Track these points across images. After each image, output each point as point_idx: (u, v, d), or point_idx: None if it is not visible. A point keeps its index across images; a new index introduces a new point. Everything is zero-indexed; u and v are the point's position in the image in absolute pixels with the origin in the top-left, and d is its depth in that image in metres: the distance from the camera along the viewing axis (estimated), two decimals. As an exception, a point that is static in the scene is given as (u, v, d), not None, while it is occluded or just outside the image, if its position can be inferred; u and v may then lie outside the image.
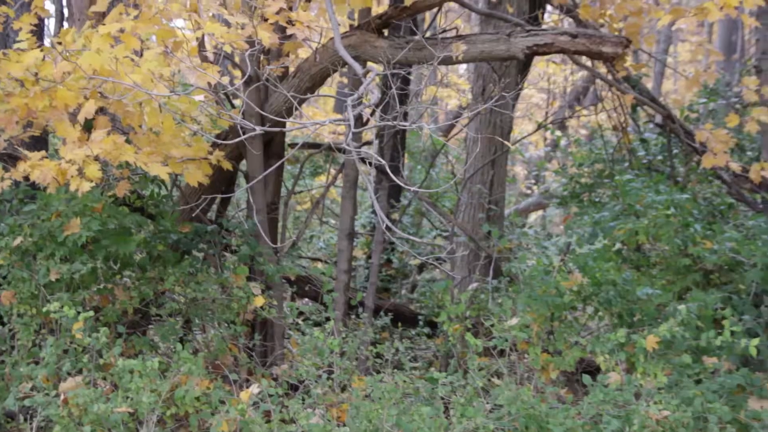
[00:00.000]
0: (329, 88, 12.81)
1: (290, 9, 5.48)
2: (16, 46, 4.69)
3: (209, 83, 5.45)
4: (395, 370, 5.36)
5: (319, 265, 9.70)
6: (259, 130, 4.78)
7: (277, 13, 5.29)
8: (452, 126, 13.00)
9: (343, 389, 5.44)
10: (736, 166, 6.55)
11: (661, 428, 4.43)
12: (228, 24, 5.36)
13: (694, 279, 5.97)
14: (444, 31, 6.24)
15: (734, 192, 7.16)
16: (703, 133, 6.37)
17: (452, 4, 6.71)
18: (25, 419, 5.09)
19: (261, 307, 5.86)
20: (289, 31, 5.58)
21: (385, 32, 5.94)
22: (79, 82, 4.58)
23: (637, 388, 4.77)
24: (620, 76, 7.28)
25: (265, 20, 5.36)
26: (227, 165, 5.68)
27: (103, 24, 4.62)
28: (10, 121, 4.60)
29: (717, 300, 5.41)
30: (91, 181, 4.60)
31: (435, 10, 6.87)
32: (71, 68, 4.51)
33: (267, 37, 5.20)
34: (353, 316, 7.66)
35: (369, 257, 9.55)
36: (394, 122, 4.77)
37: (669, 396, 4.62)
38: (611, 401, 4.64)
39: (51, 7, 7.24)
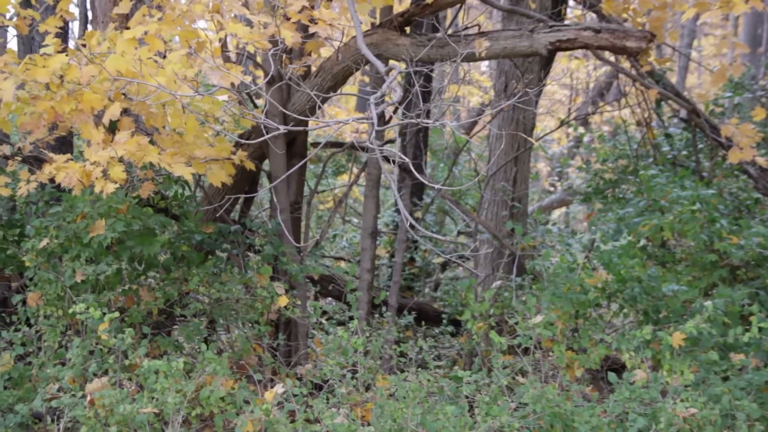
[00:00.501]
0: (351, 86, 12.81)
1: (312, 8, 5.48)
2: (42, 50, 4.73)
3: (232, 83, 5.46)
4: (419, 369, 5.35)
5: (342, 264, 9.71)
6: (282, 129, 4.78)
7: (300, 11, 5.29)
8: (475, 123, 12.98)
9: (368, 388, 5.44)
10: (763, 161, 6.48)
11: (688, 426, 4.40)
12: (251, 24, 5.37)
13: (721, 275, 5.91)
14: (466, 27, 6.21)
15: (761, 187, 7.08)
16: (728, 128, 6.30)
17: (474, 1, 6.69)
18: (53, 420, 5.13)
19: (285, 307, 5.87)
20: (311, 30, 5.58)
21: (407, 30, 5.93)
22: (103, 85, 4.61)
23: (663, 385, 4.74)
24: (644, 70, 7.22)
25: (288, 19, 5.36)
26: (250, 165, 5.70)
27: (127, 27, 4.65)
28: (38, 124, 4.64)
29: (744, 296, 5.36)
30: (116, 183, 4.63)
31: (457, 6, 6.84)
32: (96, 71, 4.54)
33: (290, 36, 5.20)
34: (377, 315, 7.66)
35: (392, 256, 9.56)
36: (417, 120, 4.76)
37: (696, 393, 4.58)
38: (637, 399, 4.61)
39: (75, 10, 7.28)
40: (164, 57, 4.83)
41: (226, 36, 5.55)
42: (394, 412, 4.65)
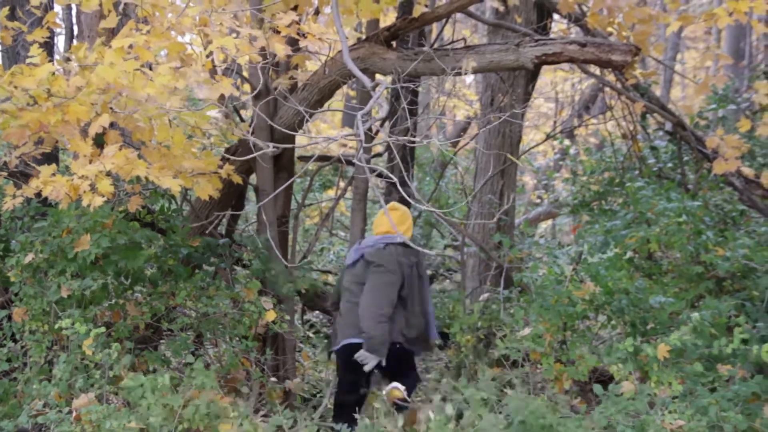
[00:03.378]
0: (338, 101, 12.83)
1: (299, 22, 5.50)
2: (27, 61, 4.72)
3: (222, 96, 5.45)
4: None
5: (330, 277, 9.70)
6: (270, 148, 4.78)
7: (289, 25, 5.30)
8: (461, 137, 13.01)
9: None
10: (748, 171, 6.52)
11: (676, 437, 4.41)
12: (238, 35, 5.37)
13: (707, 286, 5.94)
14: (452, 42, 6.23)
15: (746, 198, 7.12)
16: (714, 140, 6.35)
17: (460, 15, 6.72)
18: (39, 436, 5.10)
19: (273, 321, 5.85)
20: (301, 44, 5.59)
21: (394, 44, 5.95)
22: (90, 97, 4.59)
23: (650, 397, 4.74)
24: (629, 84, 7.27)
25: (277, 32, 5.37)
26: (237, 179, 5.69)
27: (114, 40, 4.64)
28: (23, 136, 4.61)
29: (730, 307, 5.38)
30: (103, 197, 4.62)
31: (443, 21, 6.87)
32: (83, 83, 4.53)
33: (281, 49, 5.21)
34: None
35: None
36: (403, 139, 4.76)
37: (683, 405, 4.59)
38: (624, 411, 4.62)
39: (61, 24, 7.28)
40: (151, 69, 4.83)
41: (211, 52, 5.55)
42: (381, 427, 4.63)
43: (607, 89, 8.48)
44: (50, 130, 4.59)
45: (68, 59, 4.82)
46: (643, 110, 7.88)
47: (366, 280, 5.30)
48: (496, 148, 8.01)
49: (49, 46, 6.73)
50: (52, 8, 6.91)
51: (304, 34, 5.49)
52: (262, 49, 5.32)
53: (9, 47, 6.92)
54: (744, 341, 4.82)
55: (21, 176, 5.87)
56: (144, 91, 4.54)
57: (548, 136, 9.90)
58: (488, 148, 8.04)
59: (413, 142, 5.18)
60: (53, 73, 4.54)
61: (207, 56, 5.01)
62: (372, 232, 5.64)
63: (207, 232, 6.22)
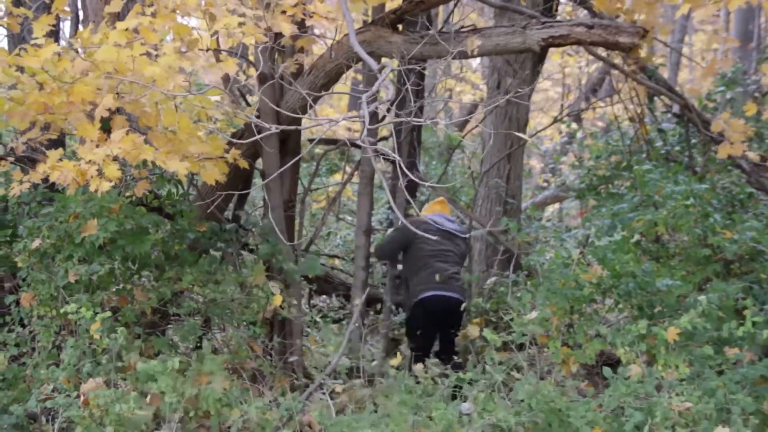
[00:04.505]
0: (343, 85, 12.80)
1: (304, 3, 5.47)
2: (32, 42, 4.70)
3: (226, 78, 5.42)
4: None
5: (337, 262, 9.71)
6: (274, 129, 4.77)
7: (295, 5, 5.27)
8: (467, 120, 12.97)
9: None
10: (754, 155, 6.49)
11: (684, 420, 4.41)
12: (243, 17, 5.35)
13: (715, 269, 5.92)
14: (459, 24, 6.20)
15: (754, 181, 7.09)
16: (719, 123, 6.31)
17: (466, -2, 6.68)
18: (47, 420, 5.12)
19: (280, 306, 5.86)
20: (307, 23, 5.56)
21: (400, 27, 5.92)
22: (96, 80, 4.58)
23: (658, 380, 4.74)
24: (636, 66, 7.23)
25: (283, 13, 5.34)
26: (244, 163, 5.68)
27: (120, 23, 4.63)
28: (27, 116, 4.61)
29: (738, 290, 5.37)
30: (111, 181, 4.61)
31: (449, 3, 6.84)
32: (88, 66, 4.52)
33: (287, 28, 5.18)
34: (372, 313, 7.66)
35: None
36: (409, 119, 4.75)
37: (691, 388, 4.59)
38: (632, 394, 4.62)
39: (68, 10, 7.25)
40: (156, 52, 4.82)
41: (217, 33, 5.53)
42: (393, 409, 4.65)
43: (614, 72, 8.44)
44: (55, 111, 4.58)
45: (73, 45, 4.81)
46: (650, 93, 7.83)
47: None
48: (503, 132, 7.99)
49: (55, 32, 6.72)
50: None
51: (310, 14, 5.46)
52: (268, 30, 5.30)
53: (15, 34, 6.90)
54: (754, 324, 4.81)
55: (28, 161, 5.88)
56: (148, 71, 4.52)
57: (555, 120, 9.87)
58: (495, 132, 8.02)
59: (419, 124, 5.17)
60: (58, 54, 4.52)
61: (212, 36, 5.00)
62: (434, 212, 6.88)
63: (212, 215, 6.21)
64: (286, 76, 6.04)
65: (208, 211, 6.14)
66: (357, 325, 6.22)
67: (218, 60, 5.36)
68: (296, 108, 6.06)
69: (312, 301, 8.60)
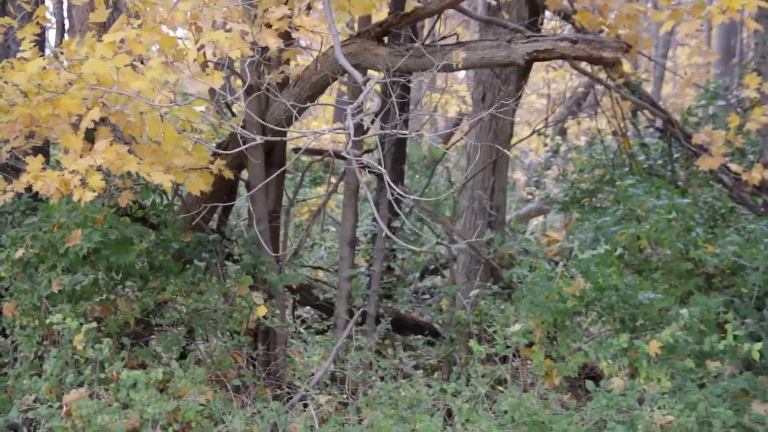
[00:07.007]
0: (329, 96, 12.82)
1: (291, 17, 5.49)
2: (19, 56, 4.70)
3: (212, 91, 5.43)
4: (396, 379, 5.37)
5: (320, 273, 9.71)
6: (259, 139, 4.77)
7: (280, 19, 5.29)
8: (452, 133, 13.02)
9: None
10: (736, 167, 6.54)
11: (666, 433, 4.43)
12: (229, 31, 5.36)
13: (696, 283, 5.96)
14: (444, 38, 6.23)
15: (735, 195, 7.15)
16: (699, 136, 6.37)
17: (452, 11, 6.72)
18: (29, 431, 5.09)
19: (264, 316, 5.85)
20: (294, 36, 5.57)
21: (385, 40, 5.95)
22: (81, 92, 4.58)
23: (640, 393, 4.76)
24: (620, 81, 7.28)
25: (269, 26, 5.36)
26: (228, 174, 5.68)
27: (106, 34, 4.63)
28: (13, 130, 4.60)
29: (719, 304, 5.40)
30: (94, 191, 4.60)
31: (435, 17, 6.87)
32: (74, 78, 4.52)
33: (273, 42, 5.20)
34: (356, 324, 7.66)
35: (371, 265, 9.56)
36: (394, 131, 4.77)
37: (673, 401, 4.61)
38: (615, 407, 4.64)
39: (52, 19, 7.25)
40: (142, 63, 4.82)
41: (202, 45, 5.54)
42: (377, 420, 4.65)
43: (597, 86, 8.50)
44: (41, 124, 4.57)
45: (60, 53, 4.80)
46: (633, 107, 7.90)
47: None
48: (487, 145, 8.02)
49: (40, 41, 6.70)
50: (43, 2, 6.89)
51: (296, 27, 5.48)
52: (254, 43, 5.31)
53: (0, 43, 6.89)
54: (735, 337, 4.84)
55: (11, 171, 5.86)
56: (135, 84, 4.53)
57: (535, 132, 9.94)
58: (480, 143, 8.05)
59: (403, 136, 5.19)
60: (44, 68, 4.52)
61: (198, 49, 5.00)
62: None
63: (196, 225, 6.21)
64: (271, 87, 6.05)
65: (193, 222, 6.13)
66: (344, 337, 6.22)
67: (204, 69, 5.36)
68: (281, 119, 6.07)
69: (296, 312, 8.60)
